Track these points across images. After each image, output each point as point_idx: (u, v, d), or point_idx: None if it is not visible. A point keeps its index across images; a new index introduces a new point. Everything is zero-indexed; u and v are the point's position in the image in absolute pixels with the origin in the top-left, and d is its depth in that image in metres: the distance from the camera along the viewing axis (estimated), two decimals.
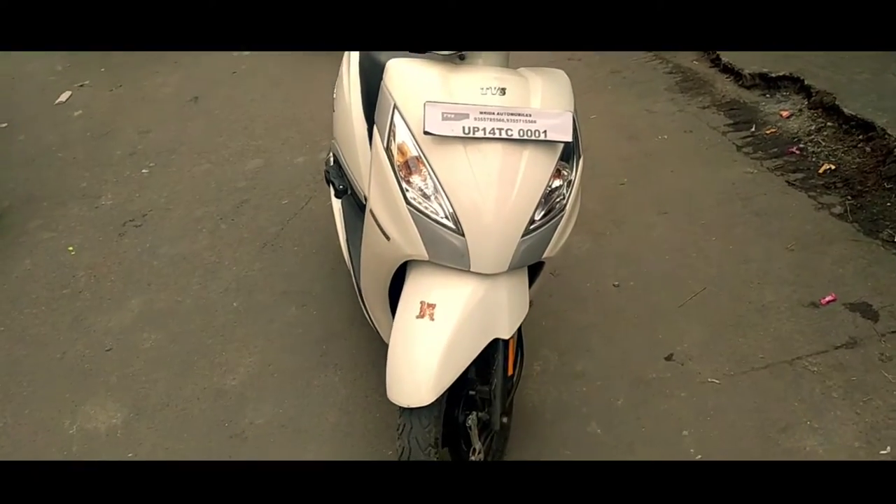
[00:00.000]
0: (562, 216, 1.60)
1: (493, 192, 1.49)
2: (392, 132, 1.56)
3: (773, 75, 3.80)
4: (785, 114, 3.53)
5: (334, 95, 2.60)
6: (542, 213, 1.56)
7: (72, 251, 3.15)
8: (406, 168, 1.54)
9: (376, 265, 1.76)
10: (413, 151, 1.52)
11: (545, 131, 1.50)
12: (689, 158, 3.31)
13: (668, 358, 2.24)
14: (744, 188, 3.02)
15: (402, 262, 1.65)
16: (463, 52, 1.55)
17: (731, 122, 3.58)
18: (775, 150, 3.28)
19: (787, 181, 3.04)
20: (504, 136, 1.49)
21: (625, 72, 4.41)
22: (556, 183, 1.58)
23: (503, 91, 1.54)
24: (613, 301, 2.49)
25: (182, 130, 4.26)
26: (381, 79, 1.65)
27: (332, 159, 2.54)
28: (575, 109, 1.62)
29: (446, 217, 1.51)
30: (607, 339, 2.34)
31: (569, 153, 1.59)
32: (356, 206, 2.18)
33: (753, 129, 3.46)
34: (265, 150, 3.89)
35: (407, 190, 1.54)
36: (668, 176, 3.20)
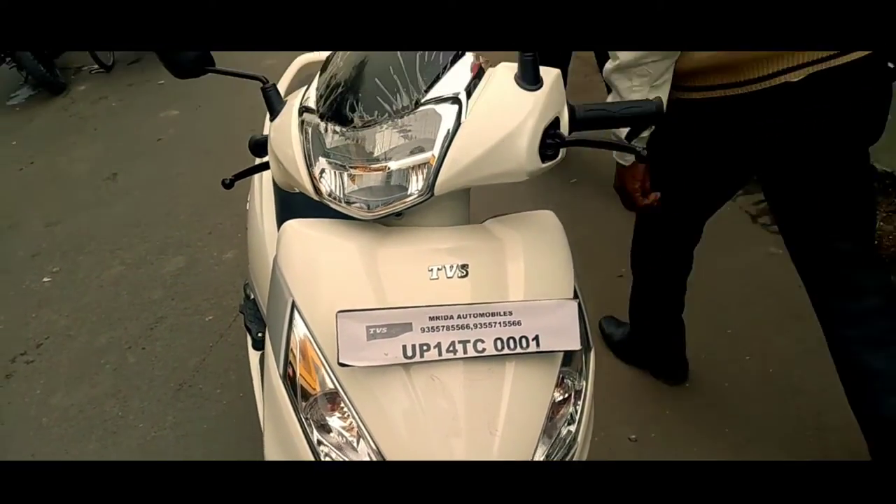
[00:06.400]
0: (573, 453, 1.02)
1: (458, 444, 0.90)
2: (291, 350, 0.96)
3: None
4: None
5: (247, 207, 2.01)
6: (543, 457, 0.98)
7: None
8: (317, 408, 0.95)
9: None
10: (328, 383, 0.93)
11: (536, 337, 0.92)
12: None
13: None
14: (773, 280, 2.38)
15: None
16: (398, 206, 0.95)
17: None
18: None
19: None
20: (472, 352, 0.91)
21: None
22: (559, 396, 1.01)
23: (464, 270, 0.96)
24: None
25: (95, 219, 3.62)
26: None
27: (248, 293, 1.93)
28: (577, 288, 1.05)
29: None
30: None
31: (573, 352, 1.01)
32: None
33: None
34: (189, 243, 3.25)
35: (320, 444, 0.95)
36: None
